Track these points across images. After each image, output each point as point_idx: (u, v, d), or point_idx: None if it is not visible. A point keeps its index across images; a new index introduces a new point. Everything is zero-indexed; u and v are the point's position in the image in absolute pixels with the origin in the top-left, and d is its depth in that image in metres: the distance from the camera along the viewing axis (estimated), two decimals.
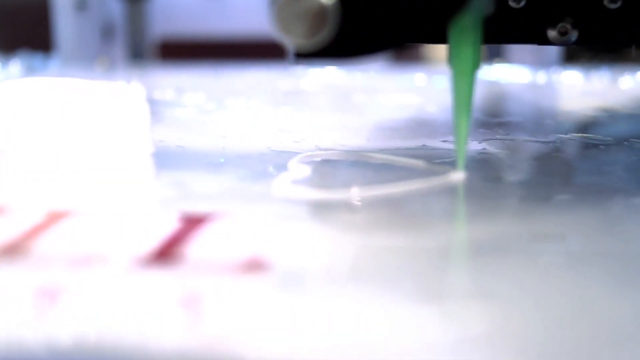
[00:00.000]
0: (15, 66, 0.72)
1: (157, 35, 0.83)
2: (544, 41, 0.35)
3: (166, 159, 0.36)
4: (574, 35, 0.34)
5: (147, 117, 0.34)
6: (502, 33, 0.35)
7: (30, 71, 0.71)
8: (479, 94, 0.61)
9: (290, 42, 0.33)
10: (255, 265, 0.23)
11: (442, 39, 0.34)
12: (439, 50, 0.96)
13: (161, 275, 0.23)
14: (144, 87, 0.63)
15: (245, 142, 0.40)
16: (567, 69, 0.71)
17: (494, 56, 0.76)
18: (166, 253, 0.24)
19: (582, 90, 0.63)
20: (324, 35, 0.33)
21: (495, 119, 0.49)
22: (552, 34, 0.34)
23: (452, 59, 0.33)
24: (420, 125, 0.45)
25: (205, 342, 0.19)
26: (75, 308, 0.21)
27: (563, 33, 0.34)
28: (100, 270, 0.23)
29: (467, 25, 0.32)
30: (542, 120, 0.50)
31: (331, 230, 0.27)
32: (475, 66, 0.33)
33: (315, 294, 0.22)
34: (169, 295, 0.21)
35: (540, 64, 0.73)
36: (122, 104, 0.33)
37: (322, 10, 0.32)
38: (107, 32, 0.83)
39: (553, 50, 0.74)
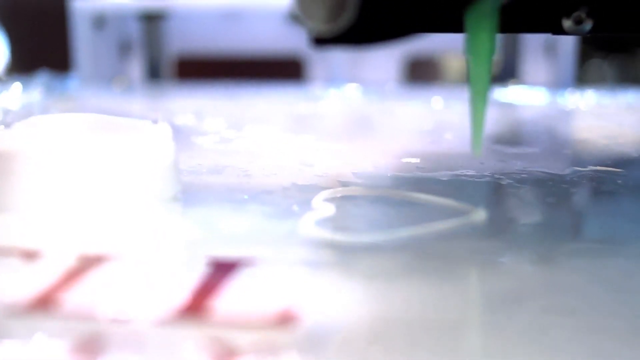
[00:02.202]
0: (35, 87, 0.73)
1: (174, 54, 0.84)
2: (559, 31, 0.35)
3: (191, 195, 0.36)
4: (588, 24, 0.35)
5: (171, 150, 0.35)
6: (517, 22, 0.36)
7: (49, 91, 0.72)
8: (495, 119, 0.61)
9: (310, 26, 0.34)
10: (284, 319, 0.23)
11: (458, 27, 0.34)
12: (454, 70, 0.96)
13: (192, 330, 0.23)
14: (164, 111, 0.63)
15: (267, 177, 0.41)
16: (582, 90, 0.72)
17: (509, 77, 0.76)
18: (196, 306, 0.24)
19: (597, 113, 0.63)
20: (344, 20, 0.33)
21: (512, 148, 0.49)
22: (567, 23, 0.35)
23: (468, 46, 0.34)
24: (439, 156, 0.46)
25: None
26: None
27: (578, 22, 0.35)
28: (133, 325, 0.23)
29: (483, 12, 0.33)
30: (559, 150, 0.51)
31: (356, 278, 0.27)
32: (492, 52, 0.34)
33: (343, 352, 0.22)
34: (201, 350, 0.22)
35: (555, 85, 0.74)
36: (147, 138, 0.34)
37: None
38: (124, 51, 0.83)
39: (568, 71, 0.74)
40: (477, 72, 0.33)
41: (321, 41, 0.35)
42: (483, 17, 0.33)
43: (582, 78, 0.78)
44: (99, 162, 0.32)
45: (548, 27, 0.36)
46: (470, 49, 0.34)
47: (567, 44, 0.74)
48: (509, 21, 0.35)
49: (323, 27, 0.34)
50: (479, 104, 0.34)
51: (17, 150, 0.32)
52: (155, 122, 0.36)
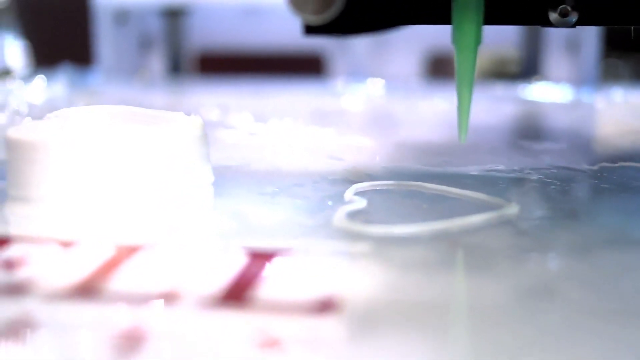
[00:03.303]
0: (58, 80, 0.73)
1: (196, 49, 0.84)
2: (546, 23, 0.36)
3: (222, 187, 0.36)
4: (574, 17, 0.35)
5: (204, 141, 0.35)
6: (504, 14, 0.36)
7: (73, 85, 0.72)
8: (521, 116, 0.61)
9: (301, 18, 0.35)
10: (326, 307, 0.23)
11: (445, 18, 0.35)
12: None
13: (235, 316, 0.23)
14: (188, 105, 0.63)
15: (297, 170, 0.41)
16: (607, 86, 0.72)
17: (532, 74, 0.76)
18: (238, 293, 0.24)
19: (623, 110, 0.63)
20: (332, 12, 0.35)
21: (539, 144, 0.49)
22: (553, 15, 0.36)
23: (455, 36, 0.35)
24: (467, 151, 0.46)
25: None
26: (156, 351, 0.21)
27: (564, 14, 0.35)
28: (176, 313, 0.23)
29: (469, 3, 0.34)
30: (587, 145, 0.51)
31: (394, 269, 0.27)
32: (477, 42, 0.35)
33: (386, 338, 0.22)
34: (246, 336, 0.22)
35: (579, 82, 0.74)
36: (180, 130, 0.34)
37: None
38: (146, 46, 0.84)
39: (591, 68, 0.74)
40: (463, 62, 0.35)
41: (312, 30, 0.37)
42: (469, 8, 0.34)
43: (607, 75, 0.78)
44: (134, 153, 0.32)
45: (534, 19, 0.36)
46: (456, 40, 0.35)
47: (590, 41, 0.74)
48: (495, 12, 0.36)
49: (313, 19, 0.35)
50: (464, 92, 0.35)
51: (52, 141, 0.32)
52: (187, 114, 0.36)
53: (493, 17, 0.36)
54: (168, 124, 0.34)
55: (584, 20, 0.36)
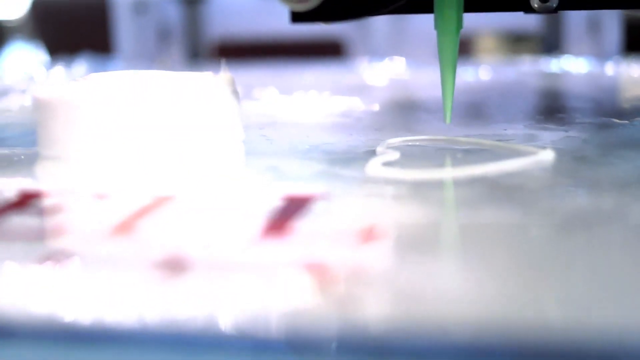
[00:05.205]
0: (79, 68, 0.73)
1: (215, 37, 0.84)
2: (527, 9, 0.37)
3: (252, 147, 0.36)
4: (555, 1, 0.36)
5: (236, 97, 0.35)
6: (485, 0, 0.37)
7: (93, 72, 0.72)
8: (548, 86, 0.61)
9: (286, 6, 0.36)
10: (371, 235, 0.23)
11: (427, 7, 0.36)
12: (484, 48, 0.96)
13: (283, 246, 0.23)
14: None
15: (326, 131, 0.40)
16: (629, 59, 0.71)
17: (554, 49, 0.75)
18: (279, 225, 0.24)
19: None
20: (316, 0, 0.36)
21: (570, 104, 0.49)
22: (534, 1, 0.36)
23: (437, 21, 0.35)
24: (498, 114, 0.45)
25: (334, 306, 0.19)
26: (204, 284, 0.21)
27: (544, 0, 0.36)
28: (221, 246, 0.23)
29: None
30: (615, 105, 0.50)
31: (435, 206, 0.27)
32: (459, 27, 0.35)
33: (437, 260, 0.22)
34: (295, 263, 0.22)
35: (600, 55, 0.73)
36: (211, 86, 0.33)
37: None
38: (165, 35, 0.84)
39: (613, 42, 0.74)
40: (445, 47, 0.35)
41: (298, 17, 0.37)
42: None
43: (630, 48, 0.77)
44: (166, 108, 0.32)
45: (516, 5, 0.37)
46: (438, 25, 0.35)
47: (611, 22, 0.74)
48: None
49: (297, 7, 0.36)
50: (447, 76, 0.36)
51: (82, 98, 0.32)
52: (216, 73, 0.35)
53: (474, 3, 0.36)
54: (198, 81, 0.34)
55: (566, 5, 0.36)
